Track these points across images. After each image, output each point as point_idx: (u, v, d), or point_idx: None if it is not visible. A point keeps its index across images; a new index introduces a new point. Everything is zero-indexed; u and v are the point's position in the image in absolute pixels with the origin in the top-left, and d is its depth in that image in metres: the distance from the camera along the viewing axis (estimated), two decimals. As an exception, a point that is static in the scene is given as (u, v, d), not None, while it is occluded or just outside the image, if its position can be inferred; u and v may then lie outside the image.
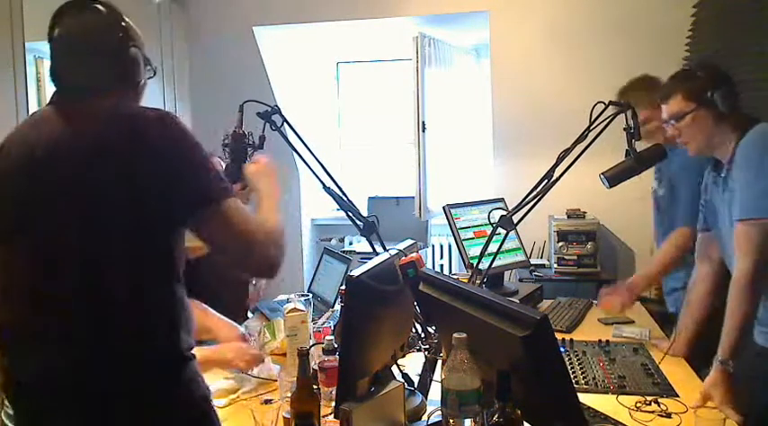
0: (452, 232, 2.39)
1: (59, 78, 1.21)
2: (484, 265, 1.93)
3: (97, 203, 1.06)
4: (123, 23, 1.22)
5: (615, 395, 1.57)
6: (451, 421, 1.14)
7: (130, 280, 1.08)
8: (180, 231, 1.15)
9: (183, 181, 1.09)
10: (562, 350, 1.86)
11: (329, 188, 1.85)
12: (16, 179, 1.11)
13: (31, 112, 2.55)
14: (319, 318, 2.15)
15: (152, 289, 1.12)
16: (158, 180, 1.07)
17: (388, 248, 1.46)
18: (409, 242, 1.58)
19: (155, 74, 1.31)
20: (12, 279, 1.12)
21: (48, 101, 1.21)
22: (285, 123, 1.69)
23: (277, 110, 1.69)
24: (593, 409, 1.45)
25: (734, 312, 1.54)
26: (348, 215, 1.85)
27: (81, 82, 1.19)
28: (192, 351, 1.20)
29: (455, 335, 1.13)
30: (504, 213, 1.79)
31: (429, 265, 4.22)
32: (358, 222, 1.85)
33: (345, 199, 1.85)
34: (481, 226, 2.45)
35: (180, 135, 1.12)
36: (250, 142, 1.65)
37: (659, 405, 1.50)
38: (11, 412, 1.27)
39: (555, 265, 3.31)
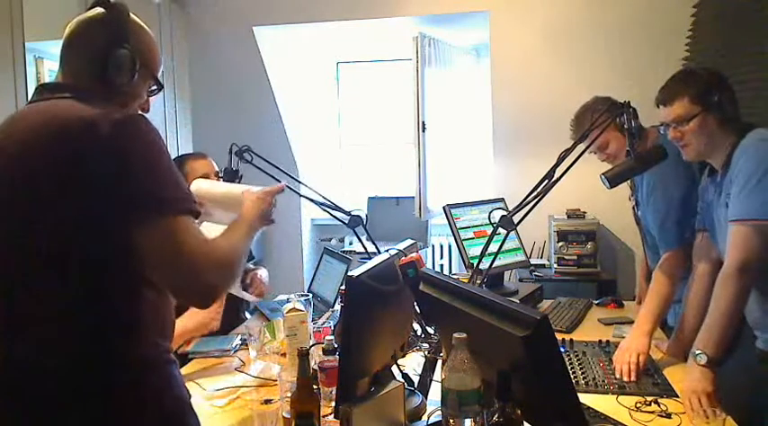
0: (452, 232, 2.39)
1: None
2: (484, 265, 1.93)
3: (44, 204, 1.03)
4: (117, 23, 1.17)
5: (615, 395, 1.57)
6: (451, 421, 1.14)
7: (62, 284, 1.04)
8: (136, 236, 1.04)
9: (132, 185, 1.03)
10: (562, 350, 1.86)
11: (306, 196, 2.08)
12: None
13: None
14: (319, 318, 2.16)
15: (110, 292, 1.07)
16: (107, 182, 1.01)
17: (386, 247, 1.47)
18: (409, 242, 1.58)
19: (160, 88, 1.26)
20: None
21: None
22: (255, 156, 2.02)
23: (247, 149, 2.01)
24: (593, 409, 1.46)
25: (716, 307, 1.55)
26: (331, 213, 2.03)
27: (63, 79, 1.18)
28: (170, 355, 1.18)
29: (455, 335, 1.13)
30: (505, 213, 1.78)
31: (429, 265, 4.22)
32: (342, 217, 2.03)
33: (326, 200, 2.05)
34: (481, 226, 2.45)
35: (141, 139, 1.06)
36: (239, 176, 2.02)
37: (659, 406, 1.50)
38: None
39: (555, 265, 3.31)
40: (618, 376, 1.68)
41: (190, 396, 1.21)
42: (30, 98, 1.18)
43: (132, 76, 1.17)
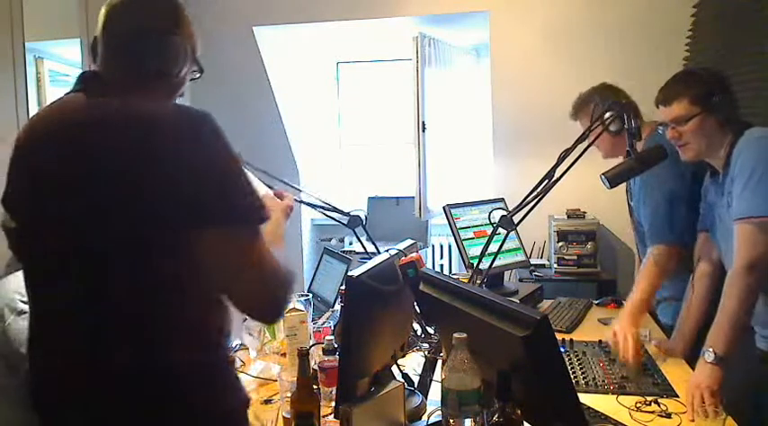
0: (452, 232, 2.39)
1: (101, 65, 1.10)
2: (484, 265, 1.93)
3: (106, 203, 0.96)
4: (165, 5, 1.09)
5: (615, 395, 1.57)
6: (451, 421, 1.14)
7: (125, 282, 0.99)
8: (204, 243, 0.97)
9: (204, 190, 0.95)
10: (562, 350, 1.86)
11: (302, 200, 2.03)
12: (29, 164, 1.03)
13: (32, 111, 2.56)
14: (319, 318, 2.16)
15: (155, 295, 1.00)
16: (172, 183, 0.94)
17: (386, 247, 1.47)
18: (409, 242, 1.58)
19: (201, 72, 1.19)
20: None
21: (73, 87, 1.08)
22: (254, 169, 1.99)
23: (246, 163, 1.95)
24: (593, 409, 1.46)
25: (725, 306, 1.55)
26: (328, 215, 2.00)
27: (106, 69, 1.08)
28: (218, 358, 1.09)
29: (455, 335, 1.13)
30: (505, 213, 1.79)
31: (429, 265, 4.22)
32: (341, 218, 2.00)
33: (323, 203, 2.01)
34: (481, 226, 2.45)
35: (215, 141, 0.97)
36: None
37: (659, 405, 1.50)
38: None
39: (555, 265, 3.31)
40: (621, 360, 1.71)
41: (249, 400, 1.13)
42: (73, 87, 1.07)
43: (184, 65, 1.10)
